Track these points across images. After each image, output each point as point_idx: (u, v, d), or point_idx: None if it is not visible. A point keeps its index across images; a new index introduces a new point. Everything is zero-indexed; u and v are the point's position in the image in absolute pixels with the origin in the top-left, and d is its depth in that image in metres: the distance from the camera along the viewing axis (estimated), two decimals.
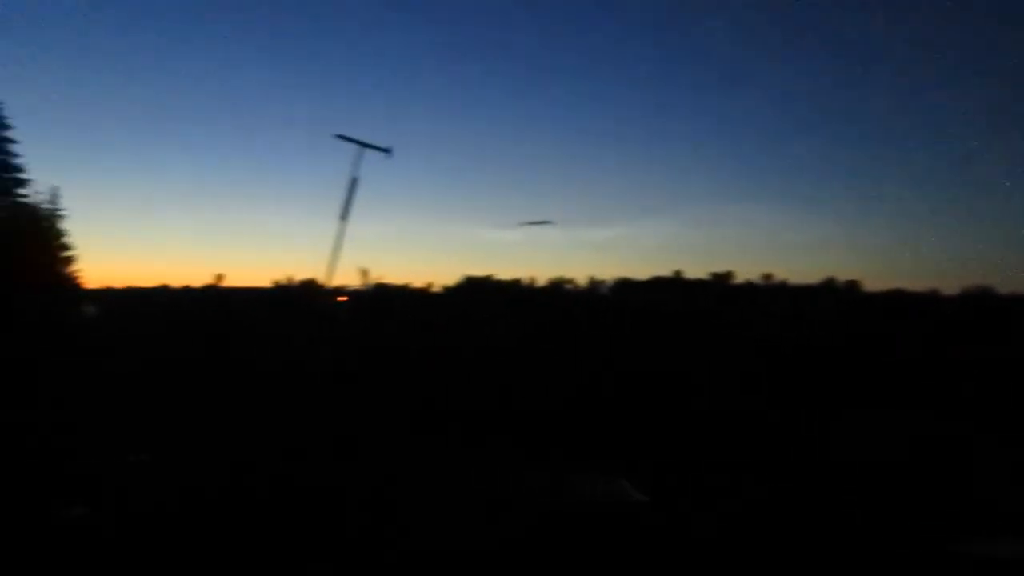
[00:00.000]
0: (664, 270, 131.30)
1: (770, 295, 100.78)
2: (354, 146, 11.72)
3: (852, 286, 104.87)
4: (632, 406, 13.67)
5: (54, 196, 39.97)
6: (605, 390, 15.08)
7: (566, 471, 8.83)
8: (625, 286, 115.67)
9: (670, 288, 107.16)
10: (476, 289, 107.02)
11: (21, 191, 36.29)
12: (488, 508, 6.96)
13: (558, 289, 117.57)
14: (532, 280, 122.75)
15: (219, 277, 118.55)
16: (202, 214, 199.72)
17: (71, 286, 40.12)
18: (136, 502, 6.08)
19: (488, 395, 13.84)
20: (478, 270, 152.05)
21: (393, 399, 12.68)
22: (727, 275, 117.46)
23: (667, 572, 6.46)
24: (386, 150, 11.62)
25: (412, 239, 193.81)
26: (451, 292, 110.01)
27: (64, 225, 40.55)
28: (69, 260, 40.86)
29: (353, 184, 11.67)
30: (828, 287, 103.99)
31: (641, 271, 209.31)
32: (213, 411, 11.21)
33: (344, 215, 11.47)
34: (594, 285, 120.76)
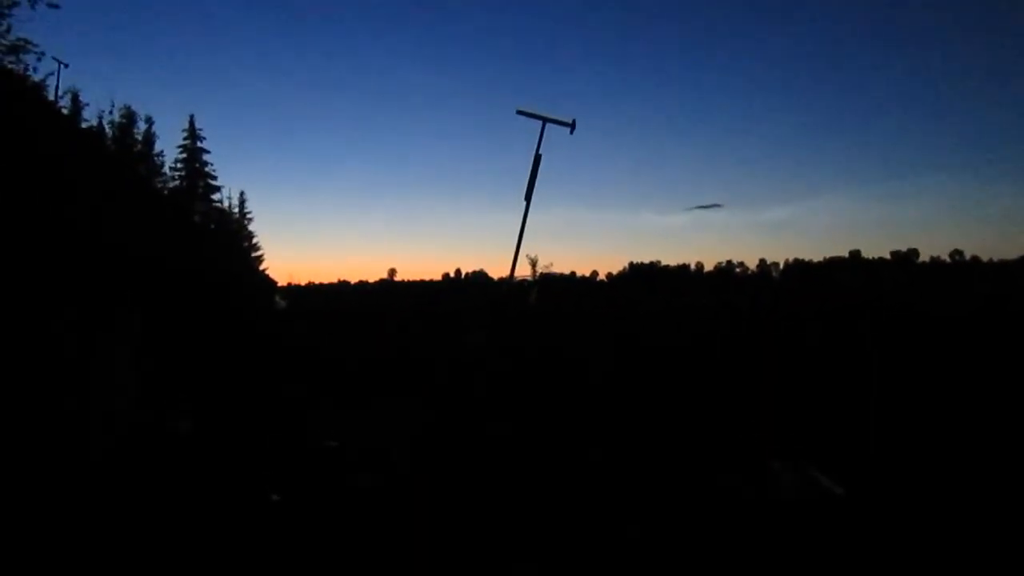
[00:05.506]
0: (841, 250, 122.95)
1: (962, 273, 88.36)
2: (537, 123, 11.44)
3: None
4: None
5: (242, 201, 44.46)
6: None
7: None
8: (799, 268, 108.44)
9: (847, 269, 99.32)
10: (642, 276, 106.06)
11: (215, 197, 38.75)
12: None
13: (727, 274, 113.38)
14: (700, 266, 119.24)
15: (392, 272, 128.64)
16: (377, 209, 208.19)
17: (267, 282, 44.46)
18: (324, 489, 6.88)
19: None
20: (644, 256, 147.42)
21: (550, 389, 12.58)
22: (911, 253, 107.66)
23: None
24: (569, 124, 11.17)
25: (577, 226, 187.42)
26: (616, 280, 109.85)
27: (251, 227, 45.19)
28: (259, 259, 45.43)
29: (536, 162, 11.38)
30: None
31: (816, 252, 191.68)
32: (394, 401, 12.05)
33: (528, 195, 11.22)
34: (765, 268, 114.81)
